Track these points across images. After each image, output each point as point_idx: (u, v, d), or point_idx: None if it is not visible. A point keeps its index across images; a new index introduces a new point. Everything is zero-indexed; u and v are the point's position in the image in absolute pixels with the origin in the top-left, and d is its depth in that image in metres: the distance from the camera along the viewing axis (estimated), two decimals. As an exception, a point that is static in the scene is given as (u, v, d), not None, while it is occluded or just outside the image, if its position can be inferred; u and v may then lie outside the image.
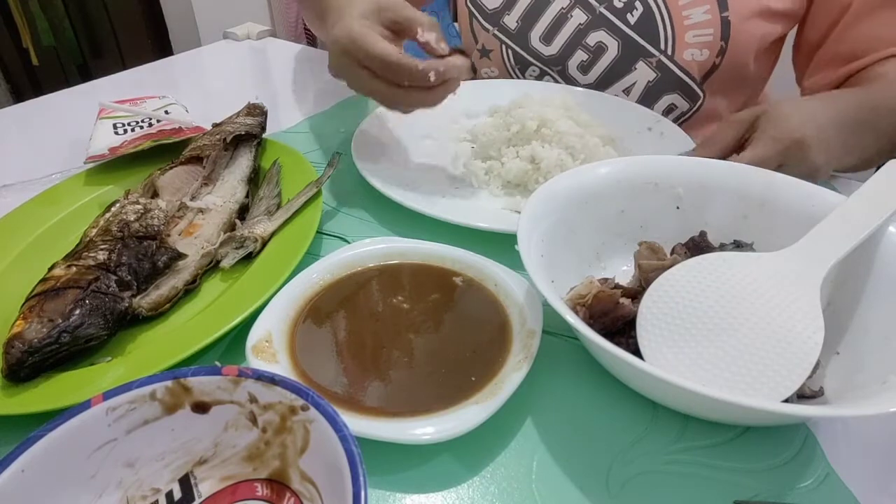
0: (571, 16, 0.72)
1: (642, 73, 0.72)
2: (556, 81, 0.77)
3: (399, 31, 0.53)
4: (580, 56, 0.73)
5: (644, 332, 0.36)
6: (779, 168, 0.49)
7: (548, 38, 0.74)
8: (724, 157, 0.52)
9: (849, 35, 0.67)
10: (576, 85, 0.75)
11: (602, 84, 0.74)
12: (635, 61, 0.71)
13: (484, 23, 0.77)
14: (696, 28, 0.68)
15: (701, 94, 0.73)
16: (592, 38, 0.72)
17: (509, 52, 0.78)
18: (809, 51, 0.72)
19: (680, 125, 0.74)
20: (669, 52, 0.70)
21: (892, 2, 0.64)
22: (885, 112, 0.58)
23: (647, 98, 0.73)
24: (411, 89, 0.51)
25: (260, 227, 0.49)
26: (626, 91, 0.74)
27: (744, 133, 0.53)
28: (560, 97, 0.65)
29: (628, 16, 0.69)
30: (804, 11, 0.70)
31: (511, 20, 0.75)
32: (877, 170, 0.42)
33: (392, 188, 0.54)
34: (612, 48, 0.71)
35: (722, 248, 0.42)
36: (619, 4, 0.69)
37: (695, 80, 0.71)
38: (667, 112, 0.74)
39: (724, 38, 0.68)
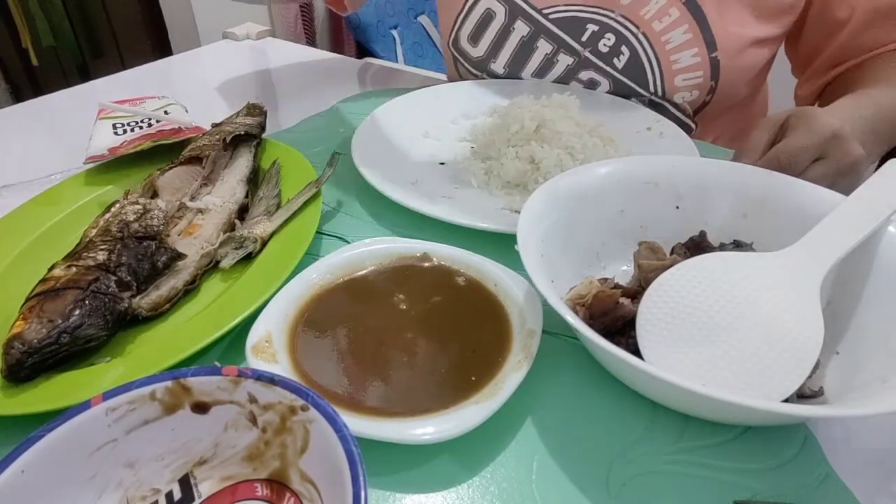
0: (557, 60, 0.71)
1: None
2: None
3: None
4: (575, 87, 0.73)
5: (644, 332, 0.36)
6: (817, 161, 0.49)
7: (540, 74, 0.74)
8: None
9: (844, 49, 0.67)
10: None
11: None
12: (628, 98, 0.71)
13: (471, 69, 0.77)
14: (685, 72, 0.67)
15: (693, 127, 0.73)
16: (584, 75, 0.72)
17: None
18: (807, 57, 0.72)
19: None
20: (660, 94, 0.69)
21: (886, 15, 0.64)
22: (888, 116, 0.58)
23: None
24: None
25: (259, 227, 0.49)
26: None
27: (776, 134, 0.52)
28: (559, 97, 0.65)
29: (615, 60, 0.69)
30: (796, 30, 0.70)
31: (498, 67, 0.75)
32: (876, 169, 0.42)
33: (392, 188, 0.54)
34: (605, 84, 0.71)
35: (722, 247, 0.42)
36: (604, 49, 0.68)
37: (688, 115, 0.71)
38: None
39: (714, 78, 0.67)
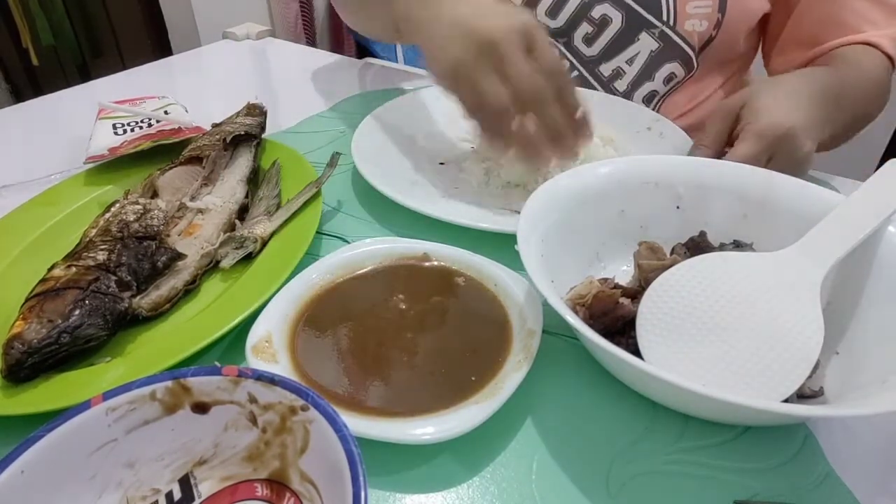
0: None
1: (645, 44, 0.73)
2: (562, 53, 0.77)
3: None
4: (585, 28, 0.74)
5: (644, 332, 0.36)
6: (769, 161, 0.50)
7: (553, 12, 0.74)
8: (722, 151, 0.53)
9: (809, 16, 0.69)
10: (580, 57, 0.76)
11: (606, 55, 0.75)
12: (639, 32, 0.72)
13: None
14: None
15: (696, 65, 0.74)
16: (597, 12, 0.72)
17: None
18: (775, 32, 0.74)
19: (674, 91, 0.76)
20: (671, 22, 0.71)
21: None
22: (849, 88, 0.60)
23: (650, 67, 0.74)
24: (543, 125, 0.50)
25: (260, 227, 0.49)
26: (630, 62, 0.75)
27: (732, 124, 0.54)
28: None
29: None
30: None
31: None
32: (876, 169, 0.42)
33: (392, 188, 0.54)
34: (617, 20, 0.72)
35: (722, 248, 0.42)
36: None
37: (694, 49, 0.72)
38: (667, 80, 0.76)
39: (721, 11, 0.69)
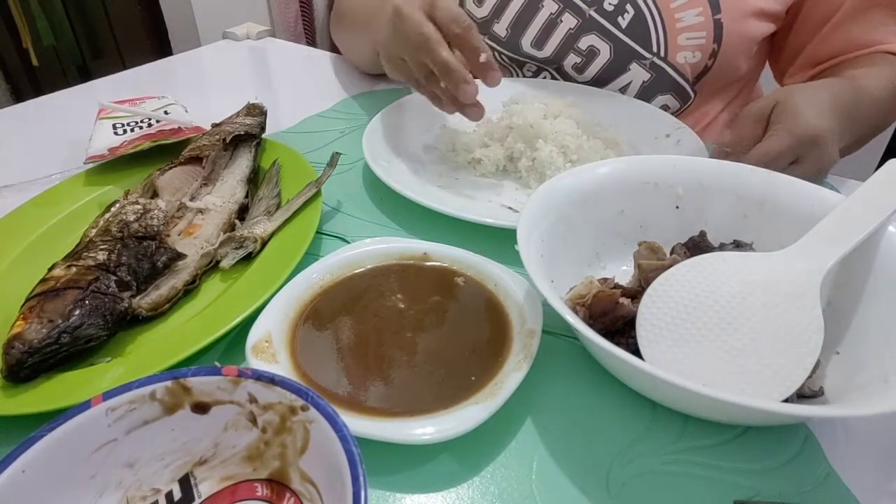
0: (561, 20, 0.71)
1: (637, 74, 0.72)
2: (554, 78, 0.77)
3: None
4: (573, 59, 0.73)
5: (644, 332, 0.36)
6: (795, 162, 0.50)
7: (539, 43, 0.73)
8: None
9: (834, 36, 0.68)
10: (571, 82, 0.75)
11: (597, 84, 0.74)
12: (629, 63, 0.71)
13: None
14: (689, 31, 0.67)
15: (692, 95, 0.73)
16: (584, 43, 0.71)
17: (503, 56, 0.78)
18: (794, 52, 0.72)
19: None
20: (662, 54, 0.69)
21: (881, 2, 0.65)
22: (865, 103, 0.60)
23: (642, 98, 0.73)
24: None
25: (259, 227, 0.49)
26: (622, 90, 0.74)
27: (762, 129, 0.53)
28: (564, 97, 0.65)
29: (619, 19, 0.69)
30: (795, 11, 0.71)
31: (500, 28, 0.75)
32: (876, 169, 0.42)
33: (399, 185, 0.54)
34: (605, 52, 0.71)
35: (722, 248, 0.42)
36: (609, 7, 0.69)
37: (688, 81, 0.71)
38: None
39: (717, 41, 0.68)
